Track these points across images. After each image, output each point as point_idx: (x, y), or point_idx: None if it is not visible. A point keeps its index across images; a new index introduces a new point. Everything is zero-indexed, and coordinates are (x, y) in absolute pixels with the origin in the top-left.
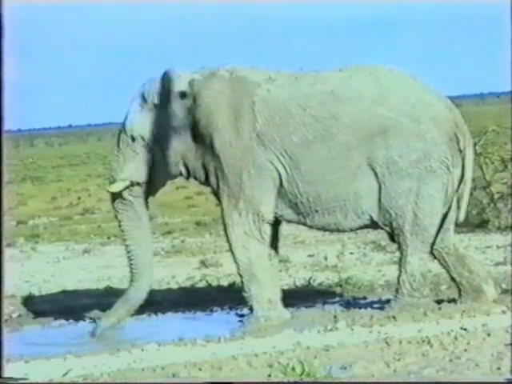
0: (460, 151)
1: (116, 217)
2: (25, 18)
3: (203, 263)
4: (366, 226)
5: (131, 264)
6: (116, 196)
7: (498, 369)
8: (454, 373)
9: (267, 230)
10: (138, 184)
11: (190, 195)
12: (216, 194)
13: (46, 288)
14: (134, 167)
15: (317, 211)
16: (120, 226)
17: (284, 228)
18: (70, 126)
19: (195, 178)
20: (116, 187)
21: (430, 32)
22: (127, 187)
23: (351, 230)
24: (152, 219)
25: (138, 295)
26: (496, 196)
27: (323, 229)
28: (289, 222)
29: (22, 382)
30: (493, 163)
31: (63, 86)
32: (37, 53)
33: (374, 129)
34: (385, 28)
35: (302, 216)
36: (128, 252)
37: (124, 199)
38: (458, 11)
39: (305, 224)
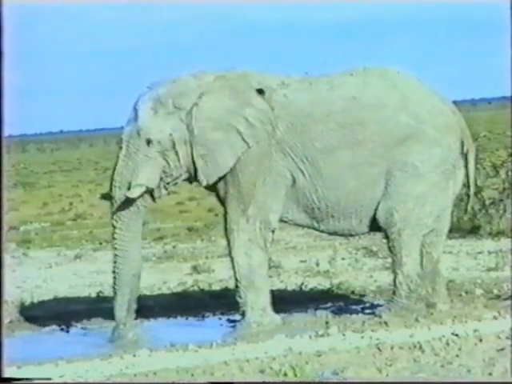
0: (463, 154)
1: (113, 224)
2: (16, 20)
3: (195, 269)
4: (375, 230)
5: (115, 277)
6: (127, 203)
7: (490, 374)
8: (446, 378)
9: (270, 238)
10: (152, 190)
11: (182, 201)
12: (221, 199)
13: (37, 294)
14: (149, 172)
15: (333, 216)
16: (114, 234)
17: (276, 234)
18: (61, 131)
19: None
20: (135, 192)
21: (421, 36)
22: (143, 193)
23: (362, 234)
24: (144, 225)
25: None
26: (487, 202)
27: (335, 234)
28: (300, 226)
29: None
30: (484, 169)
31: (55, 90)
32: (27, 57)
33: (398, 136)
34: (375, 31)
35: (316, 221)
36: (115, 262)
37: (133, 206)
38: (450, 15)
39: (317, 229)
